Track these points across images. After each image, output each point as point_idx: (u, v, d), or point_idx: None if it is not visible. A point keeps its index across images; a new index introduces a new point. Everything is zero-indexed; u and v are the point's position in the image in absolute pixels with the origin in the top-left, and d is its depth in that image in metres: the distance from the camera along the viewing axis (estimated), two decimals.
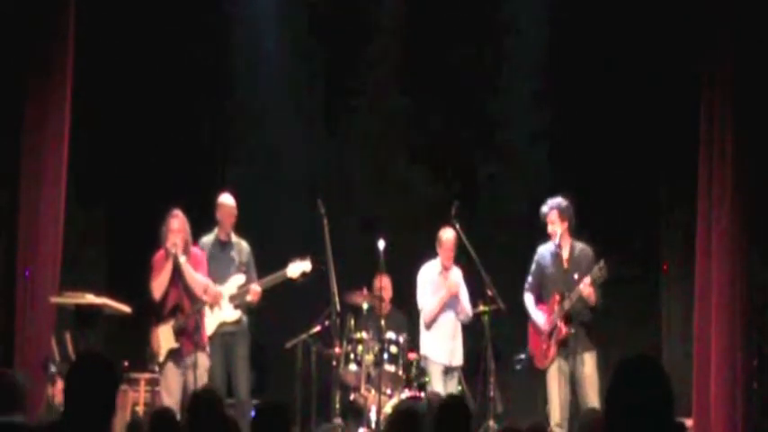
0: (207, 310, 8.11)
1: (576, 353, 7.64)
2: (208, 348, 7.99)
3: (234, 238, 8.39)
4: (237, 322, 8.25)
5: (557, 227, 7.79)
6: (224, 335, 8.18)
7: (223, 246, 8.35)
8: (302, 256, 8.17)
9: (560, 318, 7.73)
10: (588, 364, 7.70)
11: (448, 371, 8.39)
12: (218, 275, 8.19)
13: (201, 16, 9.58)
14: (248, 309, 8.32)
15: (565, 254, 7.83)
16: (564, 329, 7.70)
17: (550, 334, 7.80)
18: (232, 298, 8.21)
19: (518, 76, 9.58)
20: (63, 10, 8.06)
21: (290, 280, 8.23)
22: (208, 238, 8.36)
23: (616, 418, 3.17)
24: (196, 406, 4.80)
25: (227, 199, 8.37)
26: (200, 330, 7.92)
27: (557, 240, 7.80)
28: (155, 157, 9.55)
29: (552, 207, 7.83)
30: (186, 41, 9.53)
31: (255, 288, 8.21)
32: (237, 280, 8.26)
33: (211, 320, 8.14)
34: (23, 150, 7.98)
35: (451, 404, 5.16)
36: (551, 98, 9.45)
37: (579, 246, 7.86)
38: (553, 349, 7.77)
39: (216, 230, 8.40)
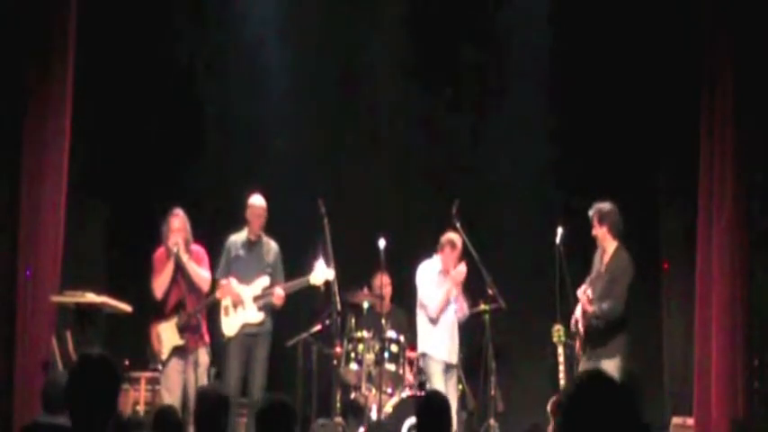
0: (231, 310, 8.10)
1: (594, 357, 7.62)
2: (209, 347, 8.00)
3: (264, 238, 8.35)
4: (261, 324, 8.19)
5: (596, 230, 7.84)
6: (246, 336, 8.14)
7: (251, 246, 8.30)
8: (327, 264, 8.04)
9: (582, 318, 7.75)
10: (607, 371, 7.63)
11: (448, 368, 8.38)
12: (245, 276, 8.18)
13: (205, 16, 9.59)
14: (271, 311, 8.26)
15: (606, 258, 7.86)
16: (581, 330, 7.72)
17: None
18: (256, 299, 8.18)
19: (519, 75, 9.59)
20: (64, 6, 8.05)
21: (313, 287, 8.15)
22: (237, 237, 8.32)
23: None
24: (201, 404, 4.81)
25: (257, 200, 8.33)
26: (201, 328, 7.93)
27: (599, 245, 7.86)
28: (155, 156, 9.55)
29: (594, 211, 7.86)
30: (189, 41, 9.53)
31: (280, 292, 8.15)
32: (263, 281, 8.21)
33: (235, 321, 8.13)
34: (24, 149, 7.95)
35: (431, 400, 5.14)
36: (551, 98, 9.46)
37: (622, 254, 7.82)
38: (579, 346, 7.80)
39: (246, 230, 8.35)
